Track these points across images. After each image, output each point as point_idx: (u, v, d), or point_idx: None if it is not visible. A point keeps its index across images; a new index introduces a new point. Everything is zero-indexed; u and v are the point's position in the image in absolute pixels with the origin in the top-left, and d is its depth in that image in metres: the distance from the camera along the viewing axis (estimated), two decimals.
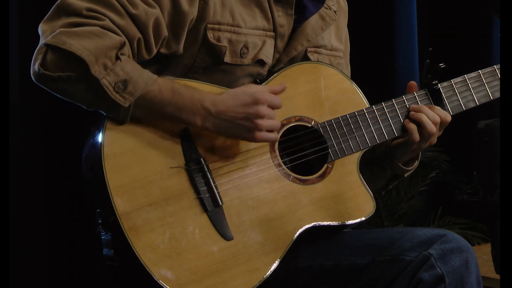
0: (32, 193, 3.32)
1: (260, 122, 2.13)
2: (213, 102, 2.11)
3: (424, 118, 2.31)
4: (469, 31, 4.14)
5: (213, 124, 2.12)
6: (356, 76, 2.41)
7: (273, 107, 2.16)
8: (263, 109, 2.13)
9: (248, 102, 2.13)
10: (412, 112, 2.33)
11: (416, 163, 2.45)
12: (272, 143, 2.22)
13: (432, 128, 2.31)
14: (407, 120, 2.33)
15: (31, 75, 2.05)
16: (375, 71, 3.91)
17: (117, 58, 2.04)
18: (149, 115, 2.10)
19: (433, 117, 2.32)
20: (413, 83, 2.40)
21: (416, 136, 2.32)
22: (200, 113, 2.11)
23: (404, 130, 2.34)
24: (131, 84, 2.04)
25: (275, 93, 2.18)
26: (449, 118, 2.35)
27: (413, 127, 2.32)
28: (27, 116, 3.31)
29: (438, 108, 2.34)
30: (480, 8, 4.08)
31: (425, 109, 2.33)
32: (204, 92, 2.13)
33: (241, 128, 2.13)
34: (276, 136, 2.19)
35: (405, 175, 2.45)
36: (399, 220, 4.02)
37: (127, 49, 2.07)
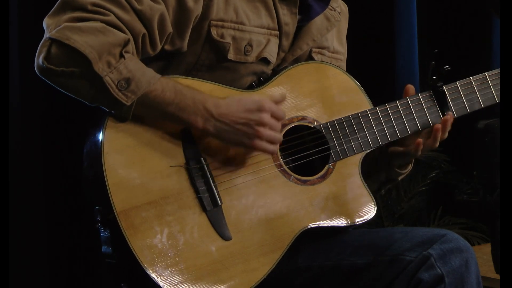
0: (32, 193, 3.32)
1: (262, 130, 2.12)
2: (215, 104, 2.11)
3: (441, 137, 2.32)
4: (469, 31, 4.15)
5: (213, 126, 2.11)
6: (356, 76, 2.40)
7: (276, 117, 2.15)
8: (266, 117, 2.13)
9: (252, 108, 2.13)
10: (437, 127, 2.30)
11: (410, 167, 2.44)
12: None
13: (437, 144, 2.33)
14: (424, 135, 2.32)
15: (35, 68, 2.05)
16: (375, 71, 3.91)
17: (121, 56, 2.04)
18: (150, 114, 2.10)
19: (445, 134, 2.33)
20: (410, 86, 2.39)
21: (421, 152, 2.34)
22: (201, 114, 2.10)
23: (406, 132, 2.33)
24: (134, 82, 2.04)
25: (276, 101, 2.18)
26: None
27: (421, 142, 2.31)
28: (27, 116, 3.31)
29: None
30: (480, 8, 4.08)
31: (447, 128, 2.33)
32: (207, 95, 2.12)
33: (240, 134, 2.12)
34: (275, 149, 2.17)
35: (399, 179, 2.45)
36: (399, 220, 4.02)
37: (131, 47, 2.06)
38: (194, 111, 2.10)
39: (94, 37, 2.01)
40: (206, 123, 2.11)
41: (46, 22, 2.07)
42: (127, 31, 2.06)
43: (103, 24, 2.03)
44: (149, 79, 2.06)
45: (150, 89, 2.06)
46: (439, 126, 2.31)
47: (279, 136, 2.16)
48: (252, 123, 2.12)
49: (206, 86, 2.18)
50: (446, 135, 2.34)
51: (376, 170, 2.41)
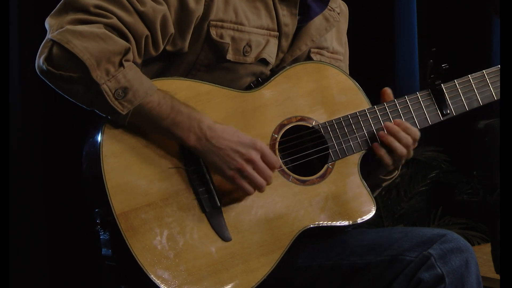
0: (32, 193, 3.32)
1: (245, 165, 2.10)
2: (211, 126, 2.10)
3: (394, 144, 2.27)
4: (469, 31, 4.15)
5: (203, 146, 2.09)
6: (356, 76, 2.40)
7: (266, 162, 2.12)
8: (256, 156, 2.10)
9: (245, 142, 2.11)
10: (382, 134, 2.28)
11: (396, 173, 2.41)
12: (272, 142, 2.22)
13: (402, 151, 2.27)
14: (376, 144, 2.28)
15: (35, 67, 2.05)
16: (375, 71, 3.91)
17: (121, 64, 2.03)
18: (145, 125, 2.09)
19: (405, 140, 2.27)
20: (387, 89, 2.37)
21: (388, 161, 2.28)
22: (195, 132, 2.09)
23: None
24: (131, 92, 2.04)
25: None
26: (418, 135, 2.30)
27: (382, 153, 2.27)
28: (27, 116, 3.31)
29: (407, 126, 2.29)
30: (480, 8, 4.08)
31: (398, 133, 2.27)
32: (204, 115, 2.11)
33: (224, 161, 2.10)
34: (252, 190, 2.12)
35: (383, 185, 2.43)
36: (399, 220, 4.02)
37: (131, 55, 2.06)
38: (188, 127, 2.09)
39: (95, 43, 2.00)
40: (197, 141, 2.09)
41: (48, 22, 2.06)
42: (129, 34, 2.06)
43: (105, 30, 2.02)
44: (146, 90, 2.06)
45: (147, 100, 2.06)
46: (382, 133, 2.27)
47: (261, 180, 2.12)
48: (238, 156, 2.10)
49: (205, 87, 2.17)
50: (405, 140, 2.27)
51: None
